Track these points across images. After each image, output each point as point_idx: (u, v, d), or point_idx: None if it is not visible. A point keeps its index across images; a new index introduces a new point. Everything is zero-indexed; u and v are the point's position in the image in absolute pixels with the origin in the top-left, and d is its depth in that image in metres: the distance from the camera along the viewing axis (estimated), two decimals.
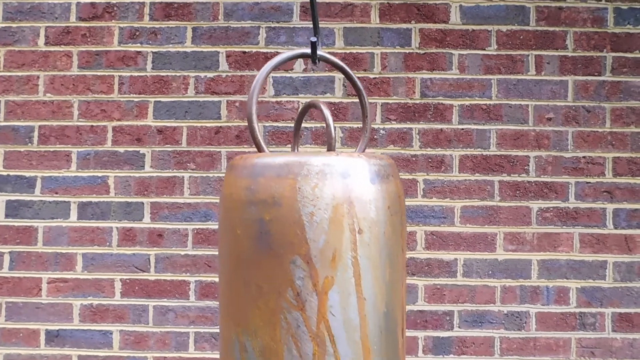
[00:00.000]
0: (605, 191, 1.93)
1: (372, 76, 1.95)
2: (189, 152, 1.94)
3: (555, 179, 1.93)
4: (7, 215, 1.95)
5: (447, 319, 1.91)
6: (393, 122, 1.94)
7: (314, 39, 0.79)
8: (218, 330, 1.92)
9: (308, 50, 0.82)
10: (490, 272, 1.91)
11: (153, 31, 1.97)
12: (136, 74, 1.96)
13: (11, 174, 1.95)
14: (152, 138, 1.95)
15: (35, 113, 1.96)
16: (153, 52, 1.96)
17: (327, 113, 0.73)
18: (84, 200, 1.94)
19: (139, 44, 1.97)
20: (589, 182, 1.93)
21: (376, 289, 0.66)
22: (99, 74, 1.96)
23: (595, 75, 1.94)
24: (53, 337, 1.92)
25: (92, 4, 1.97)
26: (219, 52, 1.96)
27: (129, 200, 1.94)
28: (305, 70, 1.96)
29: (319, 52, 0.81)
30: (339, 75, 1.95)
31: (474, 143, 1.94)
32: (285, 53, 0.79)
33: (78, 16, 1.97)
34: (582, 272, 1.91)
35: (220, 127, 1.95)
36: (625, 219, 1.92)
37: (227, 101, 1.95)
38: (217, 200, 1.94)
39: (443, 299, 1.91)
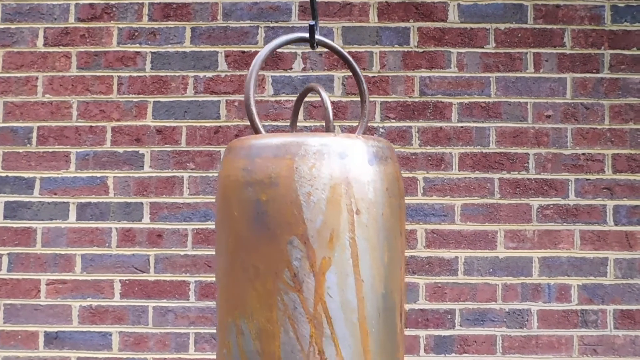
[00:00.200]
0: (605, 188, 1.93)
1: (371, 75, 1.95)
2: (188, 152, 1.94)
3: (555, 176, 1.93)
4: (5, 217, 1.94)
5: (449, 317, 1.90)
6: (392, 120, 1.94)
7: (312, 22, 0.79)
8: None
9: (306, 34, 0.82)
10: (491, 270, 1.91)
11: (152, 31, 1.97)
12: (135, 74, 1.96)
13: (10, 175, 1.94)
14: (151, 138, 1.95)
15: (34, 114, 1.96)
16: (152, 53, 1.97)
17: (324, 96, 0.73)
18: (83, 200, 1.93)
19: (137, 45, 1.97)
20: (589, 179, 1.93)
21: (374, 271, 0.66)
22: (98, 74, 1.96)
23: (594, 73, 1.95)
24: (52, 339, 1.91)
25: (91, 4, 1.97)
26: (217, 52, 1.96)
27: (128, 200, 1.93)
28: (304, 69, 1.96)
29: (317, 36, 0.81)
30: (338, 74, 1.96)
31: (474, 141, 1.94)
32: (284, 36, 0.79)
33: (77, 17, 1.97)
34: (583, 269, 1.90)
35: (220, 126, 1.95)
36: (626, 215, 1.92)
37: (227, 101, 1.95)
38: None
39: (444, 298, 1.90)
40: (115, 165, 1.94)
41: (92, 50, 1.97)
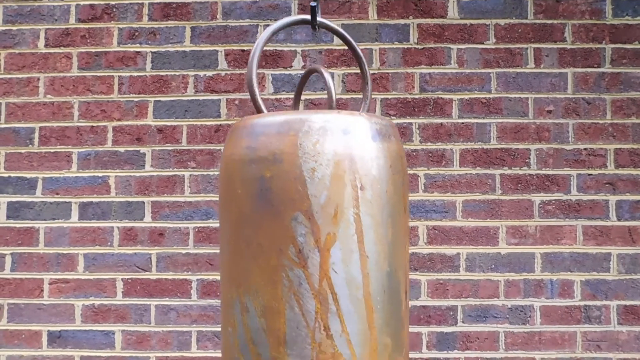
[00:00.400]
0: (607, 183, 1.92)
1: (371, 72, 1.94)
2: (189, 151, 1.94)
3: (557, 171, 1.92)
4: (8, 217, 1.95)
5: (451, 314, 1.89)
6: (393, 117, 1.94)
7: (313, 3, 0.79)
8: (220, 329, 1.91)
9: (308, 16, 0.82)
10: (493, 266, 1.90)
11: (152, 31, 1.98)
12: (136, 74, 1.97)
13: (12, 175, 1.95)
14: (152, 137, 1.95)
15: (36, 114, 1.97)
16: (152, 52, 1.97)
17: (327, 75, 0.73)
18: (85, 200, 1.94)
19: (138, 44, 1.97)
20: (591, 174, 1.92)
21: (379, 247, 0.65)
22: (98, 74, 1.97)
23: (595, 67, 1.94)
24: (55, 338, 1.92)
25: (91, 5, 1.98)
26: (217, 51, 1.97)
27: (130, 199, 1.94)
28: (304, 67, 1.96)
29: (319, 18, 0.81)
30: (338, 72, 1.96)
31: (474, 137, 1.93)
32: (285, 18, 0.78)
33: (77, 18, 1.98)
34: (586, 264, 1.90)
35: (220, 125, 1.95)
36: (629, 210, 1.91)
37: (227, 99, 1.96)
38: (218, 198, 1.93)
39: (446, 294, 1.90)
40: (117, 165, 1.95)
41: (93, 50, 1.98)
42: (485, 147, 1.93)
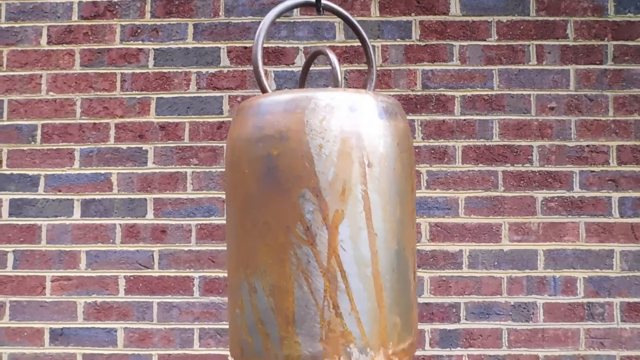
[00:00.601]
0: (610, 180, 1.92)
1: None
2: (191, 148, 1.94)
3: (560, 168, 1.92)
4: (10, 214, 1.94)
5: (454, 311, 1.89)
6: None
7: None
8: (223, 326, 1.91)
9: None
10: (496, 263, 1.90)
11: (154, 28, 1.98)
12: (138, 70, 1.97)
13: (14, 172, 1.95)
14: (154, 134, 1.95)
15: (38, 112, 1.97)
16: (155, 49, 1.97)
17: (332, 56, 0.73)
18: (87, 197, 1.94)
19: (140, 41, 1.97)
20: (594, 171, 1.92)
21: (387, 225, 0.65)
22: (101, 71, 1.97)
23: (597, 64, 1.94)
24: (57, 336, 1.92)
25: (94, 2, 1.98)
26: (220, 48, 1.97)
27: (132, 196, 1.94)
28: None
29: (323, 0, 0.80)
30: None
31: (477, 134, 1.93)
32: (289, 0, 0.78)
33: (80, 15, 1.98)
34: (588, 261, 1.89)
35: (223, 122, 1.95)
36: (631, 207, 1.91)
37: (229, 96, 1.96)
38: (220, 195, 1.93)
39: (449, 291, 1.90)
40: (119, 162, 1.95)
41: (95, 47, 1.98)
42: (487, 143, 1.93)
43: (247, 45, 1.97)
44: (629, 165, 1.92)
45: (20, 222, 1.94)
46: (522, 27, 1.95)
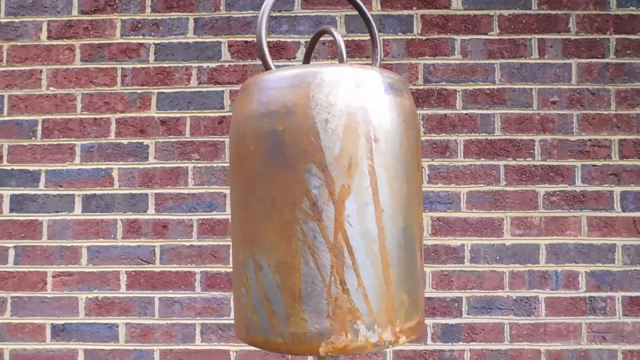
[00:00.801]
0: (612, 174, 1.91)
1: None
2: (192, 143, 1.94)
3: (561, 162, 1.91)
4: (11, 210, 1.94)
5: (456, 305, 1.89)
6: None
7: None
8: (224, 321, 1.90)
9: None
10: (497, 257, 1.89)
11: (155, 23, 1.97)
12: (139, 65, 1.96)
13: (15, 168, 1.95)
14: (155, 129, 1.95)
15: (39, 107, 1.96)
16: (155, 44, 1.97)
17: (337, 34, 0.73)
18: (88, 193, 1.94)
19: (141, 36, 1.97)
20: (596, 165, 1.91)
21: (394, 201, 0.64)
22: (101, 66, 1.97)
23: (599, 58, 1.93)
24: (59, 332, 1.91)
25: None
26: (221, 42, 1.96)
27: (133, 192, 1.93)
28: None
29: None
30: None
31: (479, 128, 1.92)
32: None
33: (80, 10, 1.98)
34: (590, 256, 1.89)
35: (224, 116, 1.94)
36: (633, 201, 1.90)
37: (230, 91, 1.95)
38: (222, 190, 1.93)
39: (451, 286, 1.89)
40: (120, 157, 1.94)
41: (96, 42, 1.97)
42: (489, 138, 1.92)
43: (248, 39, 1.97)
44: (631, 159, 1.91)
45: (21, 218, 1.94)
46: (523, 21, 1.95)
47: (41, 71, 1.97)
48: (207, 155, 1.93)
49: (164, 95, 1.95)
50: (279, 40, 1.96)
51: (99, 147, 1.95)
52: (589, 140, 1.92)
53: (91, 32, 1.97)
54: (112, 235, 1.93)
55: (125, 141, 1.94)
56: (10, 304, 1.92)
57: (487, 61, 1.94)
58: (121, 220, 1.93)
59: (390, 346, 0.62)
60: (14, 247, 1.93)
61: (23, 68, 1.97)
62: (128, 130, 1.95)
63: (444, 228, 1.90)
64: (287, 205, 0.62)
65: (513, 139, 1.92)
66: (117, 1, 1.97)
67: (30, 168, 1.95)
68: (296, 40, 1.95)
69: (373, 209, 0.62)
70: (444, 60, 1.94)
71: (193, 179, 1.93)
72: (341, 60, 0.71)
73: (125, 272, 1.91)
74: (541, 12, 1.94)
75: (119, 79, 1.96)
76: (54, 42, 1.97)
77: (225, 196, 1.93)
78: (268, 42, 1.96)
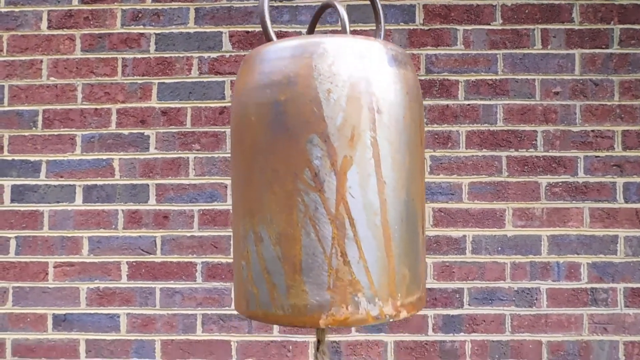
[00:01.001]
0: (614, 165, 1.90)
1: None
2: (193, 133, 1.93)
3: (564, 153, 1.91)
4: (12, 200, 1.94)
5: (457, 296, 1.88)
6: None
7: None
8: (225, 312, 1.90)
9: None
10: (499, 248, 1.89)
11: (156, 12, 1.96)
12: (139, 55, 1.96)
13: (16, 158, 1.95)
14: (156, 119, 1.94)
15: (39, 97, 1.96)
16: (156, 34, 1.96)
17: (340, 8, 0.72)
18: (89, 183, 1.93)
19: (141, 26, 1.96)
20: (598, 156, 1.90)
21: (396, 174, 0.63)
22: (102, 56, 1.96)
23: (603, 48, 1.92)
24: (60, 322, 1.91)
25: None
26: (222, 32, 1.95)
27: (134, 182, 1.93)
28: None
29: None
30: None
31: (481, 118, 1.92)
32: None
33: None
34: (592, 247, 1.88)
35: (225, 107, 1.94)
36: (636, 192, 1.89)
37: (231, 81, 1.95)
38: (223, 181, 1.92)
39: (452, 277, 1.89)
40: (121, 147, 1.94)
41: (96, 32, 1.97)
42: (491, 128, 1.91)
43: (249, 29, 1.96)
44: (634, 150, 1.90)
45: (22, 208, 1.94)
46: (527, 11, 1.93)
47: (41, 61, 1.96)
48: (208, 145, 1.93)
49: (164, 85, 1.95)
50: (281, 30, 1.95)
51: (99, 137, 1.94)
52: (592, 131, 1.91)
53: (92, 22, 1.97)
54: (113, 226, 1.92)
55: (126, 131, 1.94)
56: (12, 294, 1.92)
57: (489, 51, 1.93)
58: (122, 210, 1.93)
59: (391, 320, 0.61)
60: (15, 237, 1.93)
61: (23, 58, 1.97)
62: (129, 120, 1.94)
63: (445, 219, 1.90)
64: (288, 175, 0.61)
65: (515, 130, 1.91)
66: None
67: (31, 158, 1.94)
68: (298, 30, 1.94)
69: (375, 181, 0.61)
70: (446, 50, 1.93)
71: (194, 169, 1.92)
72: (344, 32, 0.71)
73: (127, 262, 1.91)
74: (544, 2, 1.93)
75: (119, 69, 1.95)
76: (55, 32, 1.97)
77: (226, 187, 1.92)
78: None
